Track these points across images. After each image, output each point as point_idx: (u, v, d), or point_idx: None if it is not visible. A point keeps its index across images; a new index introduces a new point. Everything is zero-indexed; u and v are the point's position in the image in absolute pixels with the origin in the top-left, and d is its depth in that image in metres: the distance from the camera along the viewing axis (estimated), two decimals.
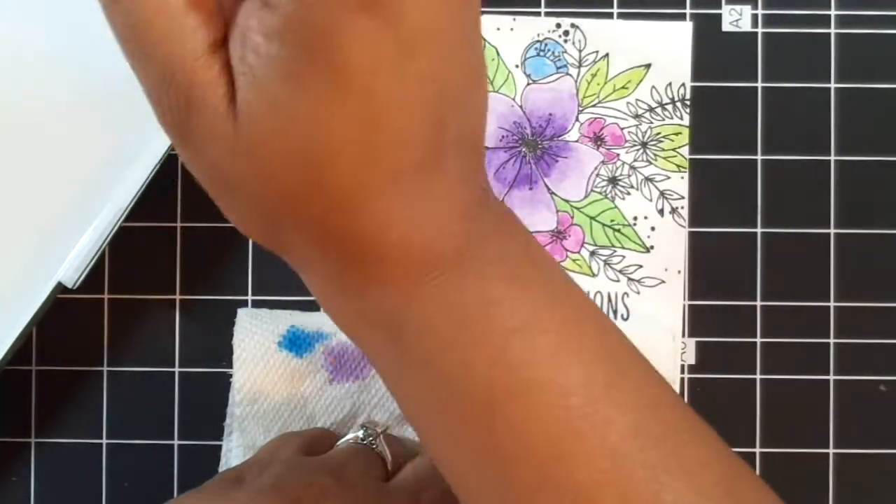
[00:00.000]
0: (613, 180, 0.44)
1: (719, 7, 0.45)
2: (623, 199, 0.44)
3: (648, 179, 0.44)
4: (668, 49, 0.44)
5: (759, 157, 0.44)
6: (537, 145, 0.45)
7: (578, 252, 0.44)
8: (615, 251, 0.44)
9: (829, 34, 0.44)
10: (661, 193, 0.44)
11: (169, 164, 0.40)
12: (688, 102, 0.44)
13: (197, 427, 0.44)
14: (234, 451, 0.42)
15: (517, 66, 0.45)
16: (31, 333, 0.43)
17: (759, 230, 0.44)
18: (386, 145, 0.22)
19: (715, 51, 0.44)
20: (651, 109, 0.44)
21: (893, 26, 0.44)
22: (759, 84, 0.44)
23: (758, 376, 0.44)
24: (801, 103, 0.44)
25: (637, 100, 0.44)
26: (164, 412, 0.44)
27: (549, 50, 0.45)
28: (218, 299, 0.44)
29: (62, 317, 0.43)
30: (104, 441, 0.44)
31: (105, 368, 0.44)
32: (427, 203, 0.23)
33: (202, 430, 0.44)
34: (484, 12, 0.45)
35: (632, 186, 0.44)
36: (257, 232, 0.25)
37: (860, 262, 0.44)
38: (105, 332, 0.44)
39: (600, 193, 0.44)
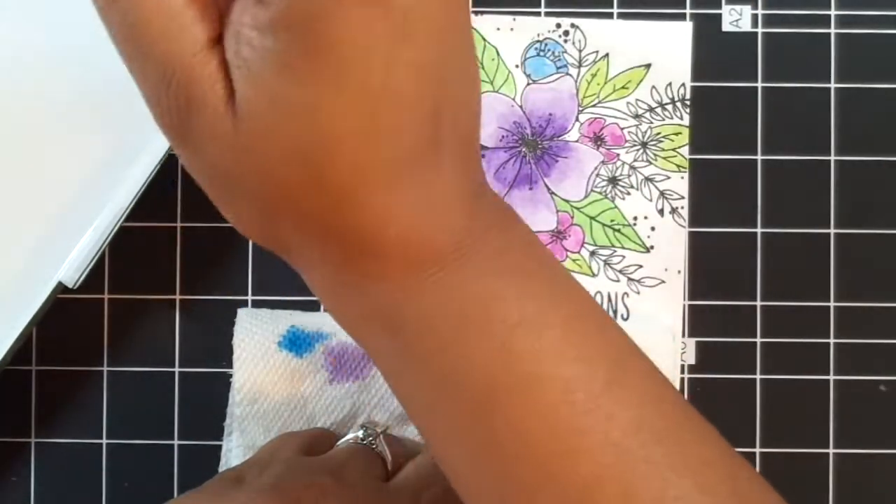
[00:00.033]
0: (613, 180, 0.44)
1: (719, 7, 0.45)
2: (623, 199, 0.44)
3: (648, 179, 0.44)
4: (668, 49, 0.44)
5: (759, 157, 0.44)
6: (537, 145, 0.45)
7: (578, 252, 0.44)
8: (615, 251, 0.44)
9: (829, 34, 0.44)
10: (661, 193, 0.44)
11: (169, 164, 0.40)
12: (688, 102, 0.44)
13: (197, 427, 0.44)
14: (234, 451, 0.42)
15: (517, 66, 0.45)
16: (31, 333, 0.43)
17: (759, 230, 0.44)
18: (383, 136, 0.22)
19: (715, 51, 0.44)
20: (651, 109, 0.44)
21: (893, 26, 0.44)
22: (759, 84, 0.44)
23: (758, 376, 0.44)
24: (801, 103, 0.44)
25: (637, 100, 0.44)
26: (164, 412, 0.44)
27: (549, 50, 0.45)
28: (218, 299, 0.44)
29: (62, 317, 0.43)
30: (104, 441, 0.44)
31: (105, 368, 0.44)
32: (425, 197, 0.23)
33: (202, 430, 0.44)
34: (484, 12, 0.45)
35: (632, 186, 0.44)
36: (257, 231, 0.25)
37: (860, 262, 0.44)
38: (105, 332, 0.44)
39: (600, 193, 0.44)
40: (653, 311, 0.44)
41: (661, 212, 0.44)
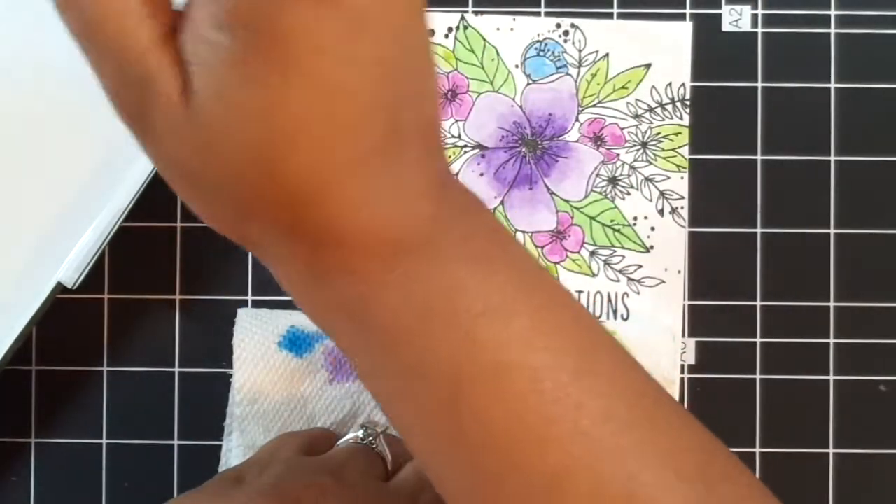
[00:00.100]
0: (613, 180, 0.44)
1: (719, 7, 0.45)
2: (623, 199, 0.44)
3: (648, 179, 0.44)
4: (668, 49, 0.44)
5: (759, 157, 0.44)
6: (537, 145, 0.45)
7: (578, 252, 0.44)
8: (615, 251, 0.44)
9: (829, 34, 0.44)
10: (661, 193, 0.44)
11: None
12: (688, 102, 0.44)
13: (197, 427, 0.44)
14: (234, 451, 0.42)
15: (517, 66, 0.45)
16: (31, 333, 0.43)
17: (759, 230, 0.44)
18: (340, 131, 0.22)
19: (715, 51, 0.44)
20: (651, 109, 0.44)
21: (893, 26, 0.44)
22: (759, 84, 0.44)
23: (758, 376, 0.44)
24: (801, 103, 0.44)
25: (637, 100, 0.44)
26: (164, 412, 0.44)
27: (549, 50, 0.45)
28: (218, 299, 0.44)
29: (62, 317, 0.43)
30: (104, 441, 0.44)
31: (105, 368, 0.44)
32: (388, 190, 0.24)
33: (202, 430, 0.44)
34: (484, 12, 0.45)
35: (632, 186, 0.44)
36: (221, 225, 0.25)
37: (860, 262, 0.44)
38: (105, 332, 0.44)
39: (600, 193, 0.44)
40: (653, 311, 0.44)
41: (661, 212, 0.44)
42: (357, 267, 0.24)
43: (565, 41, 0.45)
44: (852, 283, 0.44)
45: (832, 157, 0.44)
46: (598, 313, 0.44)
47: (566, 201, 0.44)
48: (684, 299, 0.44)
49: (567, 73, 0.45)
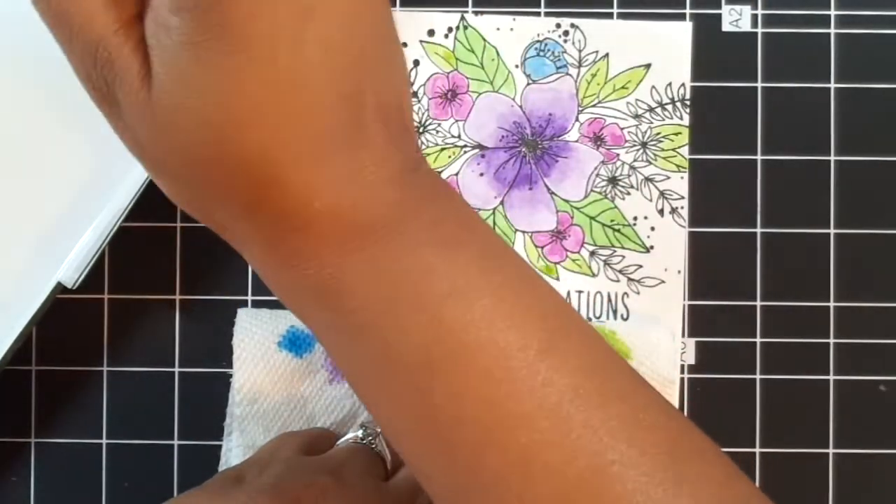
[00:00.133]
0: (613, 180, 0.44)
1: (719, 7, 0.45)
2: (623, 199, 0.44)
3: (648, 179, 0.44)
4: (668, 49, 0.44)
5: (759, 157, 0.44)
6: (537, 145, 0.45)
7: (578, 252, 0.44)
8: (615, 251, 0.44)
9: (829, 34, 0.44)
10: (661, 193, 0.44)
11: None
12: (688, 102, 0.44)
13: (197, 427, 0.44)
14: (234, 451, 0.42)
15: (517, 66, 0.45)
16: (31, 333, 0.43)
17: (759, 230, 0.44)
18: (297, 113, 0.23)
19: (715, 51, 0.44)
20: (651, 109, 0.44)
21: (893, 26, 0.44)
22: (759, 84, 0.44)
23: (757, 376, 0.44)
24: (801, 103, 0.44)
25: (637, 100, 0.44)
26: (164, 412, 0.44)
27: (549, 50, 0.45)
28: (218, 299, 0.44)
29: (62, 317, 0.43)
30: (104, 441, 0.44)
31: (105, 368, 0.44)
32: (353, 172, 0.24)
33: (202, 430, 0.44)
34: (484, 12, 0.45)
35: (632, 186, 0.44)
36: (190, 208, 0.26)
37: (860, 262, 0.44)
38: (105, 332, 0.44)
39: (600, 193, 0.44)
40: (653, 310, 0.44)
41: (661, 212, 0.44)
42: (321, 251, 0.24)
43: (565, 41, 0.45)
44: (852, 283, 0.44)
45: (832, 157, 0.44)
46: (598, 313, 0.44)
47: (566, 201, 0.44)
48: (684, 299, 0.44)
49: (567, 73, 0.45)
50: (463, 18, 0.45)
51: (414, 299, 0.25)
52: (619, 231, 0.44)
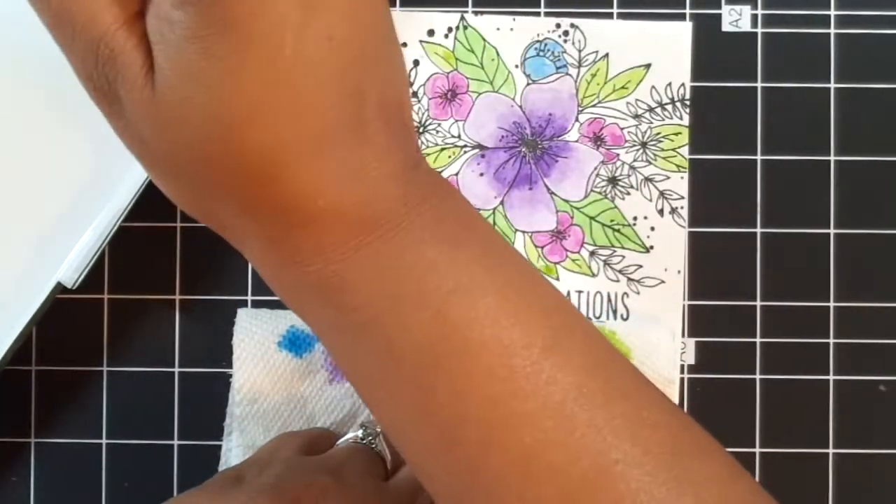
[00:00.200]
0: (613, 180, 0.44)
1: (719, 7, 0.45)
2: (623, 199, 0.44)
3: (648, 179, 0.44)
4: (668, 49, 0.44)
5: (759, 157, 0.44)
6: (537, 145, 0.45)
7: (578, 252, 0.44)
8: (615, 251, 0.44)
9: (828, 34, 0.44)
10: (661, 193, 0.44)
11: None
12: (688, 102, 0.44)
13: (197, 427, 0.44)
14: (233, 451, 0.42)
15: (517, 66, 0.45)
16: (31, 333, 0.43)
17: (758, 230, 0.44)
18: (299, 110, 0.23)
19: (715, 51, 0.44)
20: (651, 109, 0.44)
21: (893, 26, 0.44)
22: (759, 84, 0.44)
23: (757, 376, 0.44)
24: (801, 103, 0.44)
25: (637, 100, 0.44)
26: (164, 412, 0.44)
27: (548, 50, 0.45)
28: (218, 299, 0.44)
29: (62, 317, 0.43)
30: (104, 441, 0.44)
31: (105, 368, 0.44)
32: (355, 169, 0.24)
33: (202, 430, 0.44)
34: (484, 12, 0.45)
35: (631, 186, 0.44)
36: (191, 206, 0.25)
37: (860, 262, 0.44)
38: (105, 332, 0.44)
39: (600, 193, 0.44)
40: (653, 310, 0.44)
41: (660, 212, 0.44)
42: (324, 247, 0.24)
43: (565, 41, 0.45)
44: (852, 283, 0.44)
45: (832, 157, 0.44)
46: (598, 313, 0.44)
47: (566, 201, 0.44)
48: (684, 299, 0.44)
49: (567, 73, 0.45)
50: (463, 18, 0.45)
51: (417, 296, 0.25)
52: (618, 231, 0.44)
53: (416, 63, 0.45)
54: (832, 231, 0.44)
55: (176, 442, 0.44)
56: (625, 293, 0.44)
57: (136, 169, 0.40)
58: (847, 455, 0.44)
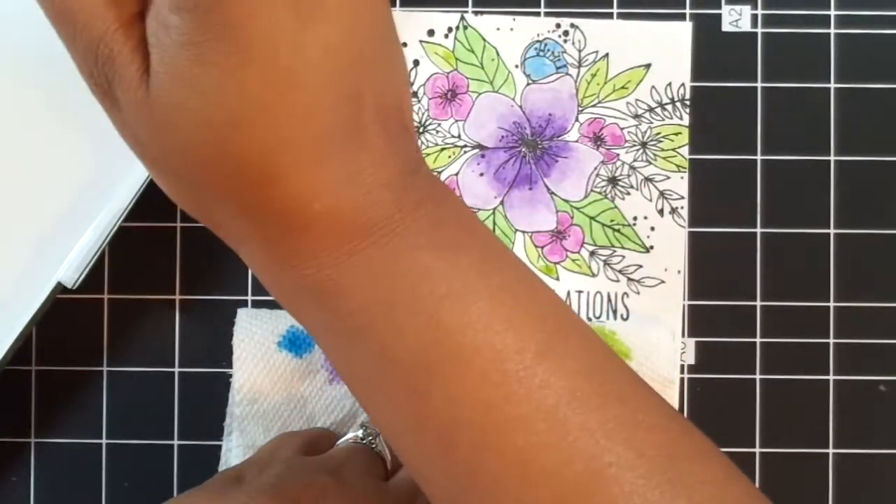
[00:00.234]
0: (613, 180, 0.44)
1: (719, 7, 0.45)
2: (623, 199, 0.44)
3: (648, 179, 0.44)
4: (668, 49, 0.44)
5: (759, 157, 0.44)
6: (537, 145, 0.45)
7: (578, 252, 0.44)
8: (615, 251, 0.44)
9: (828, 34, 0.44)
10: (661, 193, 0.44)
11: None
12: (688, 102, 0.44)
13: (197, 427, 0.44)
14: (233, 451, 0.42)
15: (517, 67, 0.45)
16: (31, 333, 0.43)
17: (758, 230, 0.44)
18: (296, 114, 0.23)
19: (715, 51, 0.44)
20: (651, 109, 0.44)
21: (893, 26, 0.45)
22: (759, 84, 0.44)
23: (757, 376, 0.44)
24: (801, 103, 0.44)
25: (637, 100, 0.44)
26: (164, 412, 0.44)
27: (548, 50, 0.45)
28: (218, 299, 0.44)
29: (62, 317, 0.43)
30: (104, 441, 0.44)
31: (105, 368, 0.44)
32: (352, 174, 0.24)
33: (202, 430, 0.44)
34: (484, 12, 0.45)
35: (631, 186, 0.44)
36: (189, 207, 0.26)
37: (860, 262, 0.44)
38: (105, 332, 0.44)
39: (600, 193, 0.44)
40: (653, 310, 0.44)
41: (660, 212, 0.44)
42: (319, 252, 0.24)
43: (565, 41, 0.45)
44: (852, 283, 0.44)
45: (832, 157, 0.44)
46: (597, 313, 0.44)
47: (566, 201, 0.44)
48: (684, 299, 0.44)
49: (567, 73, 0.45)
50: (463, 18, 0.45)
51: (411, 302, 0.25)
52: (618, 231, 0.44)
53: (416, 63, 0.45)
54: (832, 231, 0.44)
55: (176, 442, 0.44)
56: (625, 293, 0.44)
57: (136, 169, 0.40)
58: (847, 455, 0.44)
